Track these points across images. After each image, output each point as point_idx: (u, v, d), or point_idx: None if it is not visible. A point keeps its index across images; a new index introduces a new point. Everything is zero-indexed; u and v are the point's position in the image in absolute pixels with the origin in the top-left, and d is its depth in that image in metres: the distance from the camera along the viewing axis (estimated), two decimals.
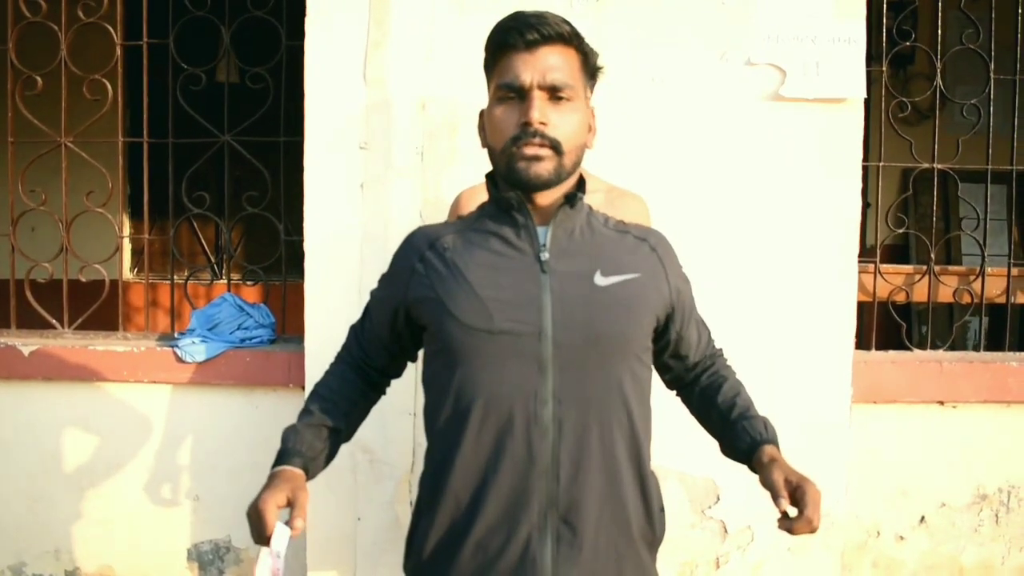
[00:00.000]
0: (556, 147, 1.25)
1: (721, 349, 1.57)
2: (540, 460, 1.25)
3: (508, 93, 1.26)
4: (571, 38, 1.28)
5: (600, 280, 1.29)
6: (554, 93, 1.24)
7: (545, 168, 1.24)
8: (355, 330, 1.49)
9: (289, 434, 1.37)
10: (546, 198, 1.30)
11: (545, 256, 1.28)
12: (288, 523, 1.23)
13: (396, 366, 1.50)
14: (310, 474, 1.35)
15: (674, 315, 1.41)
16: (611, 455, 1.29)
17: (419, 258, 1.34)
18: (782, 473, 1.29)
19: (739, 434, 1.41)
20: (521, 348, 1.24)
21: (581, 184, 1.36)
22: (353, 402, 1.44)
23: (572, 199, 1.30)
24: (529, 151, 1.23)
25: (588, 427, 1.26)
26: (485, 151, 1.34)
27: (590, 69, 1.34)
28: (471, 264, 1.29)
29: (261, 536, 1.22)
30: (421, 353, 1.45)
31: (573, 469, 1.26)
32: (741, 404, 1.45)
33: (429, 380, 1.36)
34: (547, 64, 1.24)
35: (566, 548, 1.25)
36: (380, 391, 1.51)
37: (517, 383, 1.25)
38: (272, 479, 1.29)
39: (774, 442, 1.40)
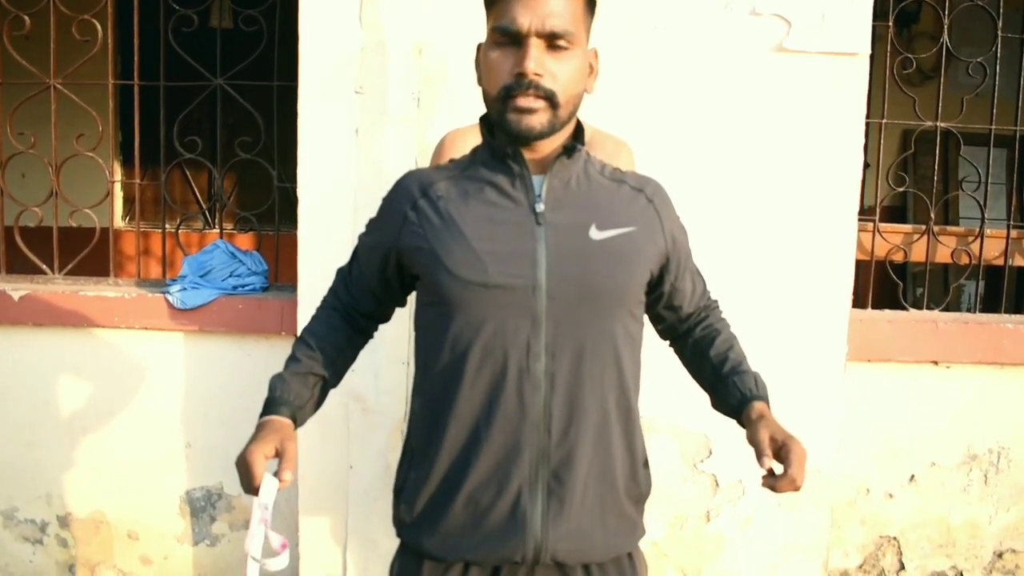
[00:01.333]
0: (551, 98, 1.20)
1: (716, 301, 1.54)
2: (532, 413, 1.24)
3: (504, 37, 1.20)
4: None
5: (595, 234, 1.26)
6: (553, 40, 1.19)
7: (538, 120, 1.20)
8: (343, 274, 1.46)
9: (276, 383, 1.35)
10: (542, 147, 1.26)
11: (541, 208, 1.25)
12: (276, 474, 1.21)
13: (384, 312, 1.47)
14: (298, 423, 1.33)
15: (669, 266, 1.37)
16: (602, 410, 1.28)
17: (411, 205, 1.30)
18: (768, 430, 1.28)
19: (730, 389, 1.39)
20: (515, 301, 1.22)
21: (579, 132, 1.32)
22: (340, 349, 1.42)
23: (571, 150, 1.27)
24: (522, 103, 1.18)
25: (580, 381, 1.25)
26: (482, 98, 1.29)
27: (594, 9, 1.28)
28: (466, 215, 1.25)
29: (249, 486, 1.21)
30: (411, 298, 1.42)
31: (564, 423, 1.25)
32: (733, 358, 1.43)
33: (422, 329, 1.34)
34: (548, 9, 1.17)
35: (555, 503, 1.25)
36: (367, 336, 1.49)
37: (511, 336, 1.23)
38: (260, 429, 1.27)
39: (764, 399, 1.37)
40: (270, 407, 1.31)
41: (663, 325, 1.50)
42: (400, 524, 1.35)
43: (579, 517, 1.26)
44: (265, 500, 1.19)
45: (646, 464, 1.39)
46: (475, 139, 1.43)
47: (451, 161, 1.37)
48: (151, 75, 2.64)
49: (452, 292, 1.24)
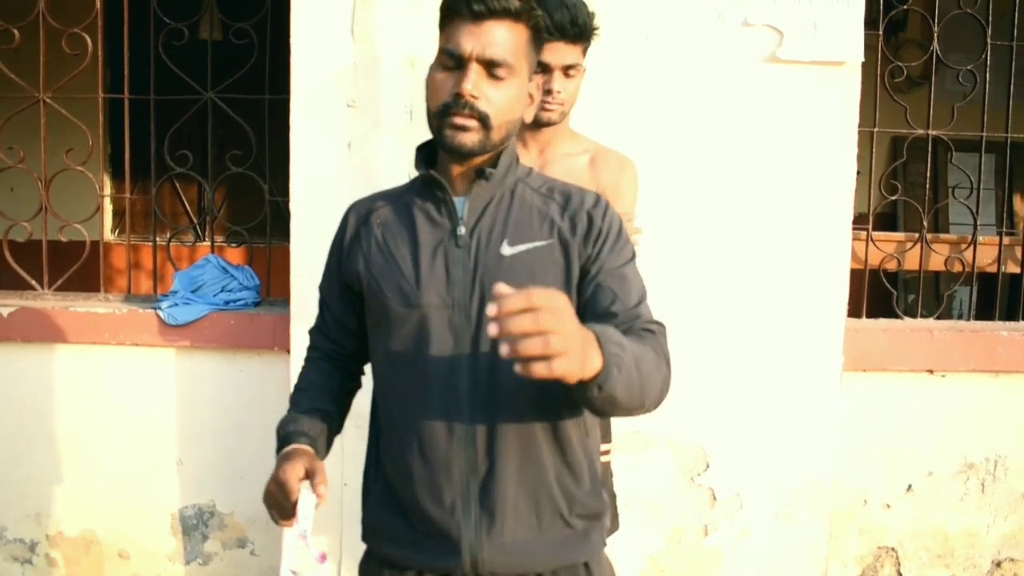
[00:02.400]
0: (484, 120, 1.25)
1: (655, 327, 1.28)
2: (457, 429, 1.27)
3: (449, 59, 1.27)
4: (520, 13, 1.27)
5: (506, 250, 1.30)
6: (492, 67, 1.25)
7: (470, 138, 1.26)
8: (319, 329, 1.48)
9: (286, 423, 1.37)
10: (470, 167, 1.31)
11: (461, 231, 1.30)
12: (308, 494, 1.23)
13: (366, 350, 1.46)
14: (318, 455, 1.35)
15: (584, 280, 1.30)
16: (522, 422, 1.29)
17: (354, 234, 1.38)
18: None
19: None
20: (438, 321, 1.28)
21: (499, 155, 1.33)
22: (336, 395, 1.45)
23: (481, 173, 1.30)
24: (457, 120, 1.25)
25: (498, 395, 1.27)
26: (425, 115, 1.34)
27: (540, 42, 1.34)
28: (399, 242, 1.33)
29: (284, 508, 1.23)
30: None
31: (486, 437, 1.28)
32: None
33: (370, 350, 1.39)
34: (489, 38, 1.24)
35: (487, 517, 1.27)
36: (357, 382, 1.52)
37: (435, 355, 1.28)
38: (283, 458, 1.28)
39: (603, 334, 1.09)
40: (287, 440, 1.33)
41: None
42: (364, 530, 1.41)
43: (514, 531, 1.28)
44: (304, 515, 1.20)
45: (596, 476, 1.36)
46: None
47: (401, 186, 1.42)
48: (141, 88, 2.62)
49: (385, 315, 1.31)
